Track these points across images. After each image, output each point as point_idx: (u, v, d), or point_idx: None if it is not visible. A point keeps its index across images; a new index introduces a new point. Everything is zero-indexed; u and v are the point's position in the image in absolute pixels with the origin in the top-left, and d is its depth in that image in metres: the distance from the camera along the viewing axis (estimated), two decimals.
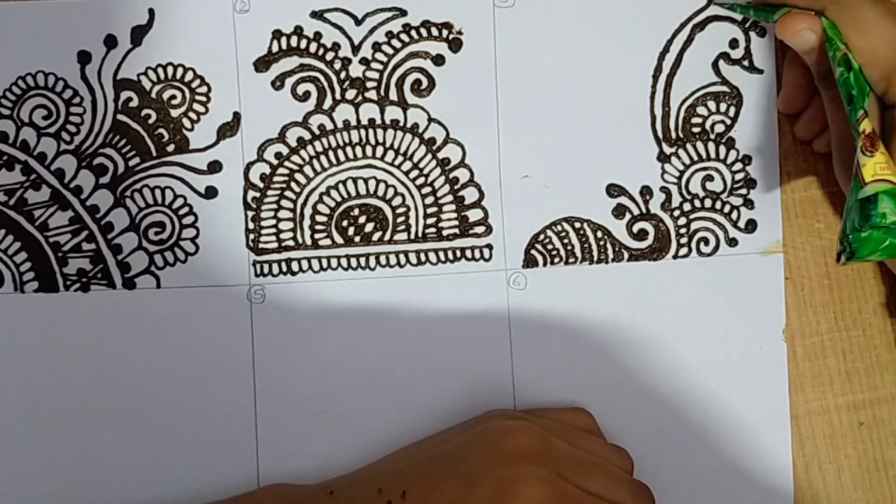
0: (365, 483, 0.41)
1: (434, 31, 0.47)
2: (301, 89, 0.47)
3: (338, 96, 0.47)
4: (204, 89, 0.47)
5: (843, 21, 0.41)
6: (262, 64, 0.47)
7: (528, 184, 0.47)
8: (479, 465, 0.38)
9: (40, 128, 0.46)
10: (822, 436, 0.48)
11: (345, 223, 0.47)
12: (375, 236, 0.47)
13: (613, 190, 0.47)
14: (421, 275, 0.47)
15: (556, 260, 0.47)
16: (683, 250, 0.47)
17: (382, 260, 0.47)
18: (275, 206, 0.47)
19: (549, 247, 0.47)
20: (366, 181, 0.47)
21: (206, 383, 0.46)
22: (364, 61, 0.47)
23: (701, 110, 0.47)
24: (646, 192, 0.47)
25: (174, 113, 0.47)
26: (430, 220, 0.47)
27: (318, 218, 0.47)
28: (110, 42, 0.46)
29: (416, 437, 0.46)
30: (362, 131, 0.47)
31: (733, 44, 0.47)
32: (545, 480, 0.38)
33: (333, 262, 0.47)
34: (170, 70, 0.47)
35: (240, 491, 0.45)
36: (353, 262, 0.47)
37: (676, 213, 0.47)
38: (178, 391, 0.46)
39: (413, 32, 0.47)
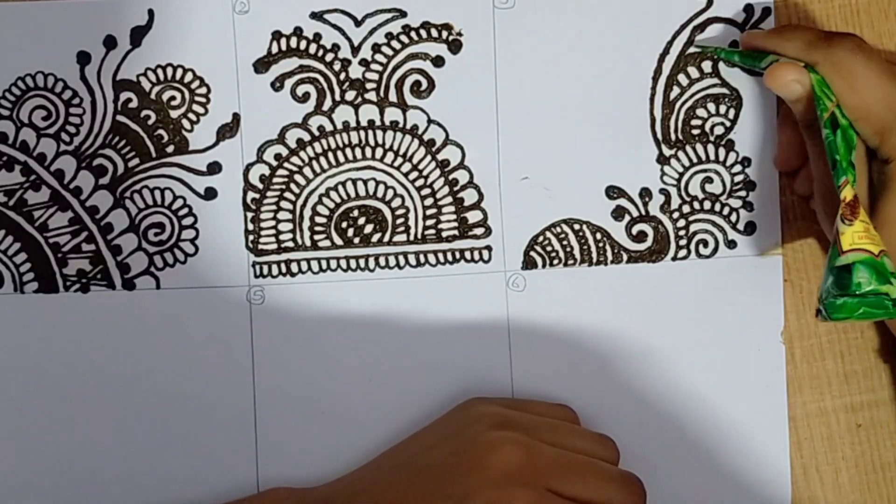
0: (361, 498, 0.41)
1: (434, 33, 0.47)
2: (300, 90, 0.47)
3: (337, 97, 0.47)
4: (203, 90, 0.47)
5: (835, 77, 0.41)
6: (261, 65, 0.47)
7: (528, 185, 0.47)
8: (467, 486, 0.39)
9: (40, 128, 0.46)
10: (820, 437, 0.48)
11: (344, 224, 0.47)
12: (375, 238, 0.47)
13: (613, 192, 0.47)
14: (420, 276, 0.47)
15: (556, 262, 0.47)
16: (682, 252, 0.48)
17: (382, 261, 0.47)
18: (274, 207, 0.47)
19: (549, 248, 0.47)
20: (365, 182, 0.47)
21: (205, 384, 0.46)
22: (364, 62, 0.47)
23: (700, 112, 0.47)
24: (645, 193, 0.47)
25: (174, 114, 0.47)
26: (430, 222, 0.47)
27: (318, 219, 0.47)
28: (110, 43, 0.46)
29: None
30: (362, 132, 0.47)
31: (733, 46, 0.47)
32: (532, 502, 0.38)
33: (333, 264, 0.47)
34: (169, 71, 0.47)
35: (240, 493, 0.46)
36: (353, 263, 0.47)
37: (676, 214, 0.47)
38: (178, 392, 0.46)
39: (413, 34, 0.47)
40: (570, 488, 0.40)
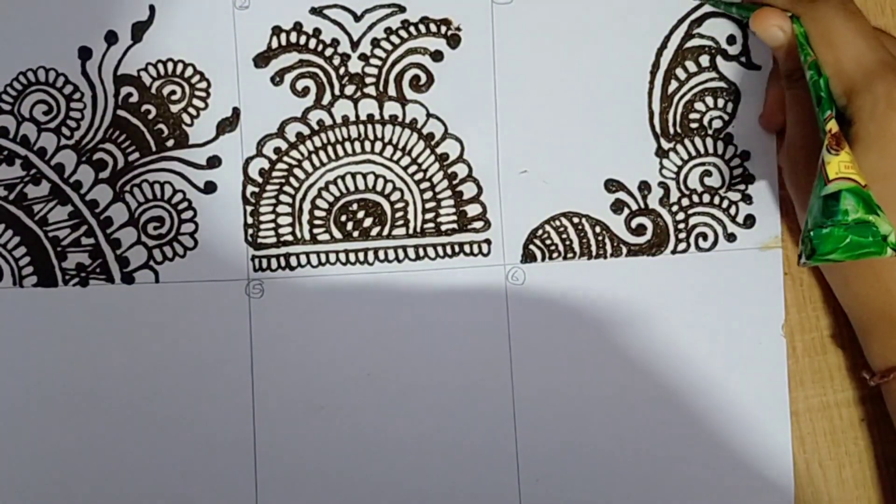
0: None
1: (433, 28, 0.47)
2: (300, 85, 0.47)
3: (337, 92, 0.47)
4: (203, 85, 0.47)
5: (813, 31, 0.42)
6: (261, 60, 0.47)
7: (527, 179, 0.47)
8: None
9: (41, 123, 0.47)
10: (823, 432, 0.47)
11: (343, 218, 0.47)
12: (374, 231, 0.47)
13: (612, 185, 0.47)
14: (419, 270, 0.47)
15: (555, 255, 0.47)
16: (682, 245, 0.47)
17: (381, 255, 0.47)
18: (273, 201, 0.47)
19: (548, 242, 0.47)
20: (364, 176, 0.47)
21: (204, 378, 0.46)
22: (363, 57, 0.47)
23: (699, 106, 0.48)
24: (644, 187, 0.47)
25: (174, 108, 0.47)
26: (429, 216, 0.47)
27: (317, 213, 0.47)
28: (111, 38, 0.47)
29: (413, 432, 0.46)
30: (361, 126, 0.47)
31: (730, 40, 0.47)
32: None
33: (332, 257, 0.47)
34: (170, 66, 0.47)
35: (237, 487, 0.45)
36: (352, 256, 0.47)
37: (675, 208, 0.47)
38: (176, 386, 0.46)
39: (412, 28, 0.47)
40: None
